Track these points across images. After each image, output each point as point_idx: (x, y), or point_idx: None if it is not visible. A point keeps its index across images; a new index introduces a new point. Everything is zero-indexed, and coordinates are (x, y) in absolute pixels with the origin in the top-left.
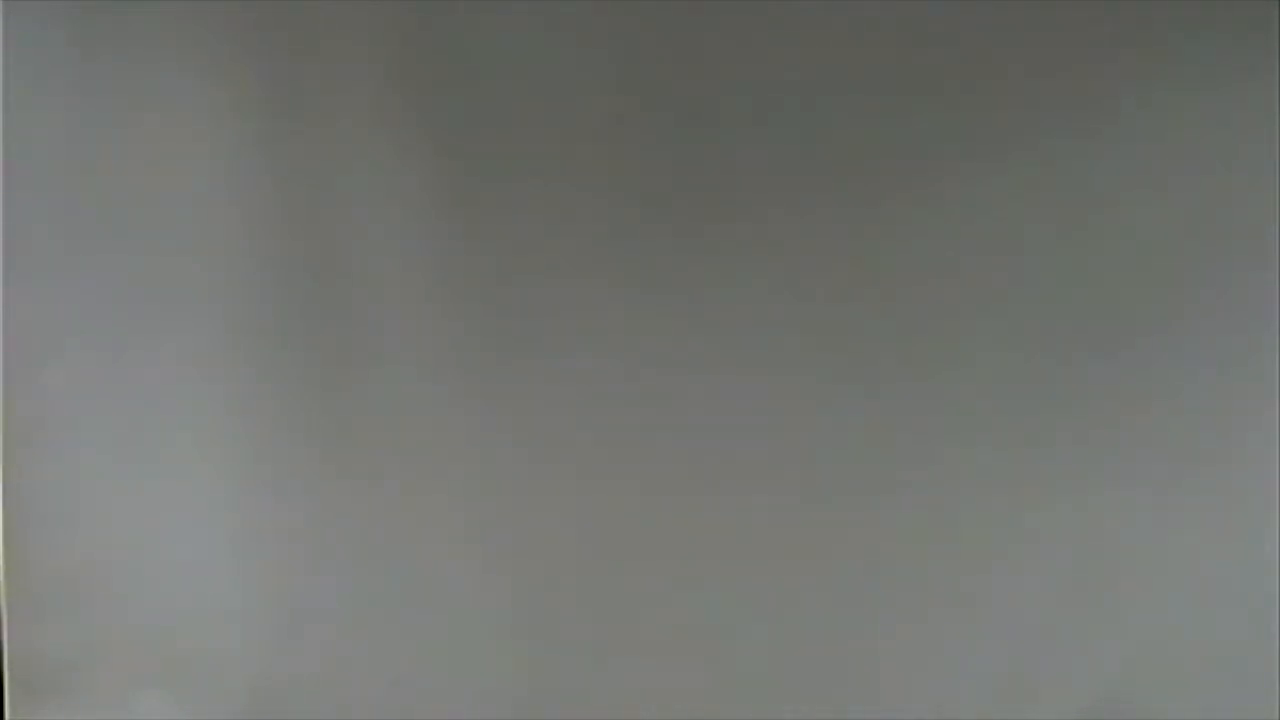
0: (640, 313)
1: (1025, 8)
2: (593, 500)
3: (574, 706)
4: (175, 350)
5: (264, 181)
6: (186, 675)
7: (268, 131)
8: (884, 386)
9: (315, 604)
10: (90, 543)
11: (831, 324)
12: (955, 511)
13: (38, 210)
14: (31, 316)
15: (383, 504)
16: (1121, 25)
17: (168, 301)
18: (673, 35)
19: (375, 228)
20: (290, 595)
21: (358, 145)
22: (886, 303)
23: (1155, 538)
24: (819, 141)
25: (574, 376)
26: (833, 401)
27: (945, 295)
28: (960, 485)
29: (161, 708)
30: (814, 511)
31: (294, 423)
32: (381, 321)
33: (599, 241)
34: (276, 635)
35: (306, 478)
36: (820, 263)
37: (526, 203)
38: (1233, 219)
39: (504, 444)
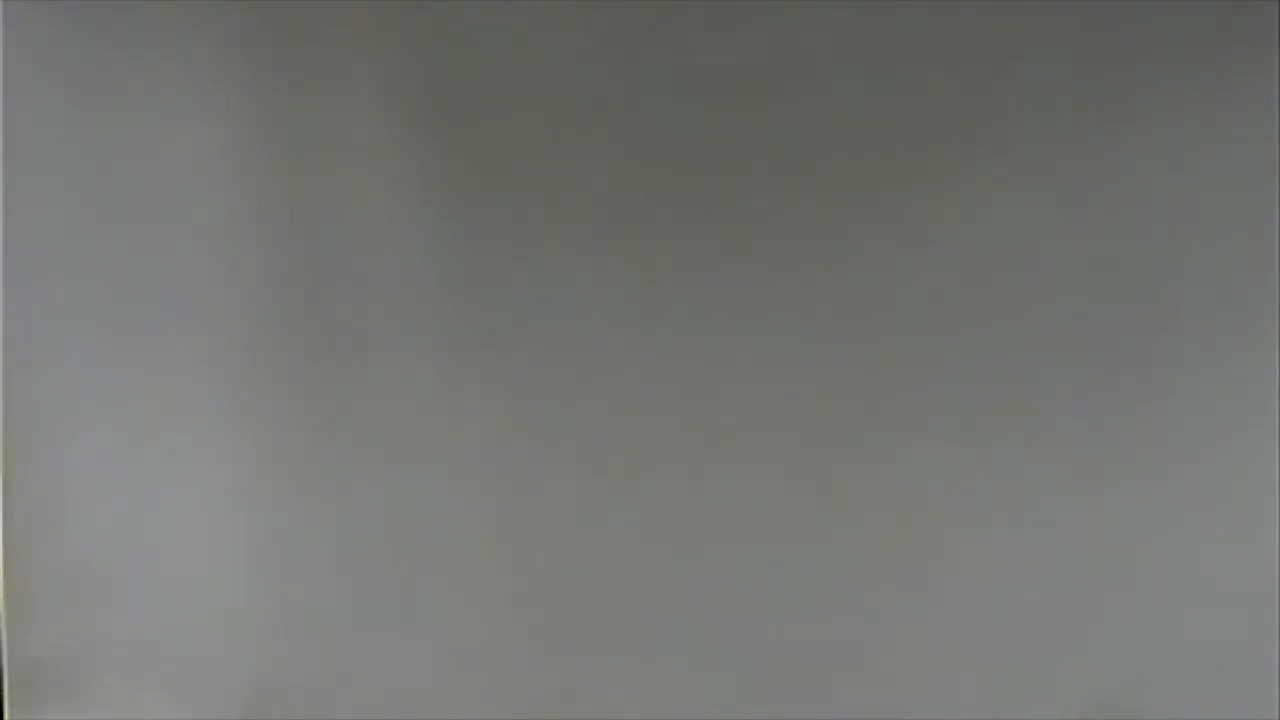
0: (640, 306)
1: (1026, 8)
2: (595, 499)
3: (575, 705)
4: (175, 350)
5: (264, 179)
6: (187, 676)
7: (268, 129)
8: (886, 385)
9: (316, 604)
10: (90, 543)
11: (834, 323)
12: (955, 511)
13: (38, 210)
14: (31, 316)
15: (383, 504)
16: (1121, 26)
17: (168, 300)
18: (675, 30)
19: (377, 225)
20: (290, 595)
21: (358, 142)
22: (889, 302)
23: (1155, 537)
24: (820, 140)
25: (577, 372)
26: (835, 401)
27: (948, 294)
28: (960, 485)
29: (161, 708)
30: (815, 510)
31: (295, 422)
32: (383, 321)
33: (600, 234)
34: (277, 635)
35: (307, 477)
36: (822, 263)
37: (527, 196)
38: (1233, 218)
39: (509, 442)
